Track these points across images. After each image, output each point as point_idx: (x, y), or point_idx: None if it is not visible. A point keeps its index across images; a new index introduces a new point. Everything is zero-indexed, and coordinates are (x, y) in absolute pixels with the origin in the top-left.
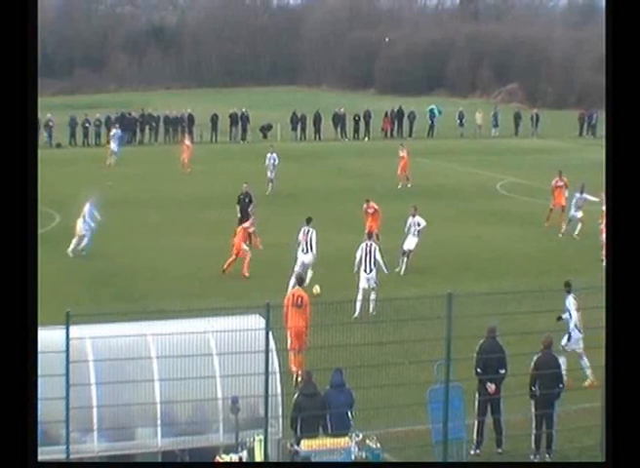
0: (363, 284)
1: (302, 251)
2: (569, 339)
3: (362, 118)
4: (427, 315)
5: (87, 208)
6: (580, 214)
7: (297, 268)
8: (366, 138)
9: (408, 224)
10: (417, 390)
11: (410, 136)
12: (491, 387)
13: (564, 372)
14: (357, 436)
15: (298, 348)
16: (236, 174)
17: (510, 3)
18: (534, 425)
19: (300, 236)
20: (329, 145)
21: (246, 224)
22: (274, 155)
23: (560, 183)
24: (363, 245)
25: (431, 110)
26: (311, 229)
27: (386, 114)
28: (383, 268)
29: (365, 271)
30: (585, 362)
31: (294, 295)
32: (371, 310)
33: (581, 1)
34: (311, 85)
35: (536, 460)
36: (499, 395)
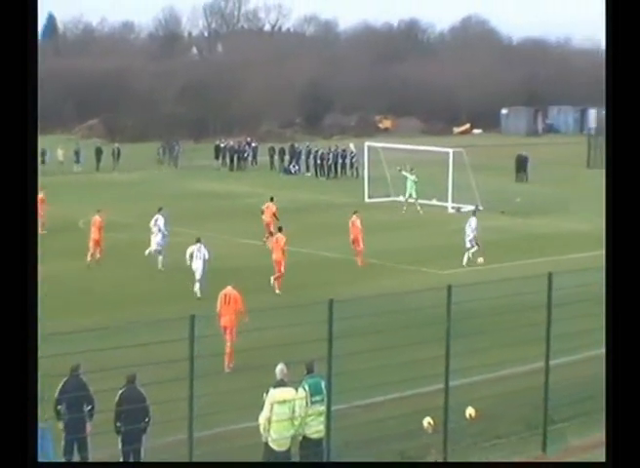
0: None
1: None
2: None
3: None
4: None
5: None
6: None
7: None
8: None
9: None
10: None
11: None
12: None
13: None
14: None
15: None
16: None
17: (91, 36)
18: (122, 459)
19: None
20: None
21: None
22: None
23: (272, 208)
24: None
25: None
26: None
27: None
28: None
29: None
30: None
31: None
32: None
33: (162, 33)
34: None
35: None
36: (85, 433)
